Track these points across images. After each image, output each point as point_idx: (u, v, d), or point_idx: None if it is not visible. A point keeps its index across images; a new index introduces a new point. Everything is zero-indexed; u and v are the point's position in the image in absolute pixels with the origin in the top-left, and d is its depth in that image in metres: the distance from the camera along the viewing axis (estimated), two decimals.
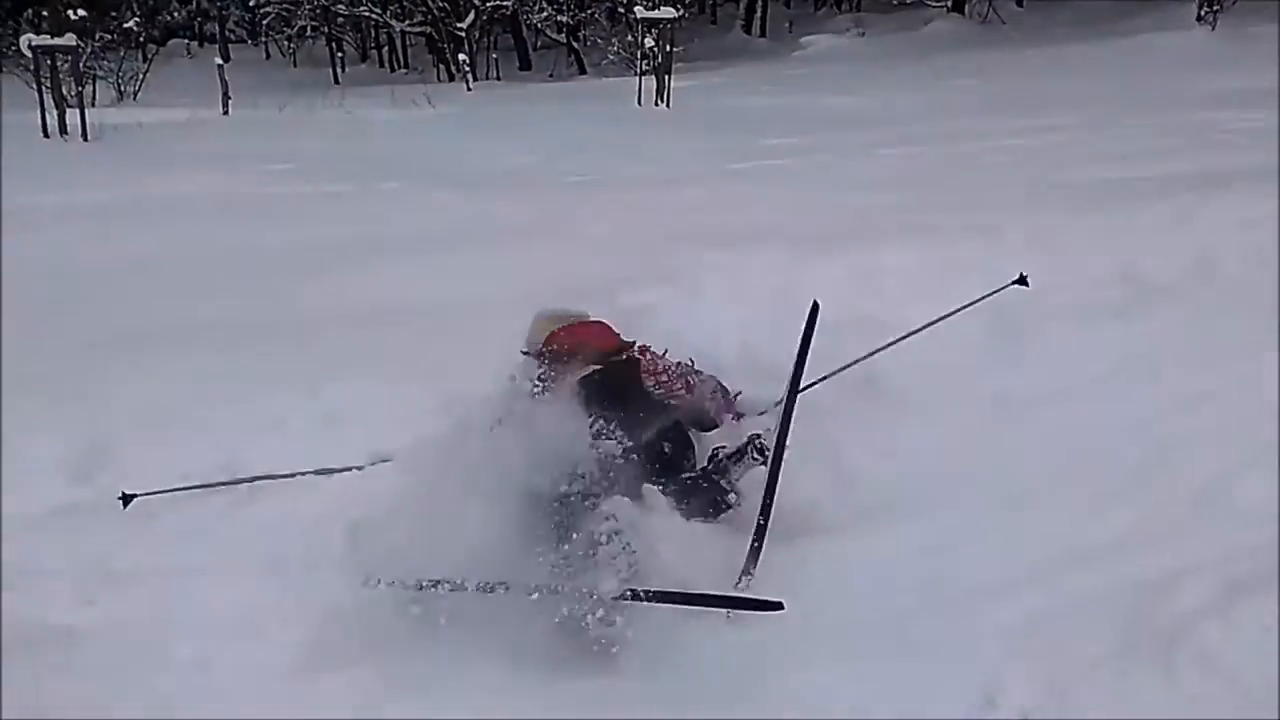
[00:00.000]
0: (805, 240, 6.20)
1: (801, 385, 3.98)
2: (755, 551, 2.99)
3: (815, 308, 3.87)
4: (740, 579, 3.00)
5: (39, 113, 12.53)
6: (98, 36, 16.07)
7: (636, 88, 16.09)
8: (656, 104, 16.09)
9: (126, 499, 3.77)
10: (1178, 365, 4.35)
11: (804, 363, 3.88)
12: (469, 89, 18.91)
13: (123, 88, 17.60)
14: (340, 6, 26.67)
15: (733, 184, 9.40)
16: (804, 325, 3.92)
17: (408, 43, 30.00)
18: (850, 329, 4.84)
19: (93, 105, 13.40)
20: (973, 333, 4.90)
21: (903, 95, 14.88)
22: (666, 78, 16.22)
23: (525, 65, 27.58)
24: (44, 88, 12.67)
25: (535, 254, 6.49)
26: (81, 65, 13.18)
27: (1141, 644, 2.76)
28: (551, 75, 25.20)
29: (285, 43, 30.38)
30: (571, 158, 11.07)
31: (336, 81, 20.43)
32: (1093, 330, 4.80)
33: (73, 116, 12.54)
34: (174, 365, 4.99)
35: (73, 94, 12.87)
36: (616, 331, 4.09)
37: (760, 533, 3.03)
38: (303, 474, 4.00)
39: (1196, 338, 4.49)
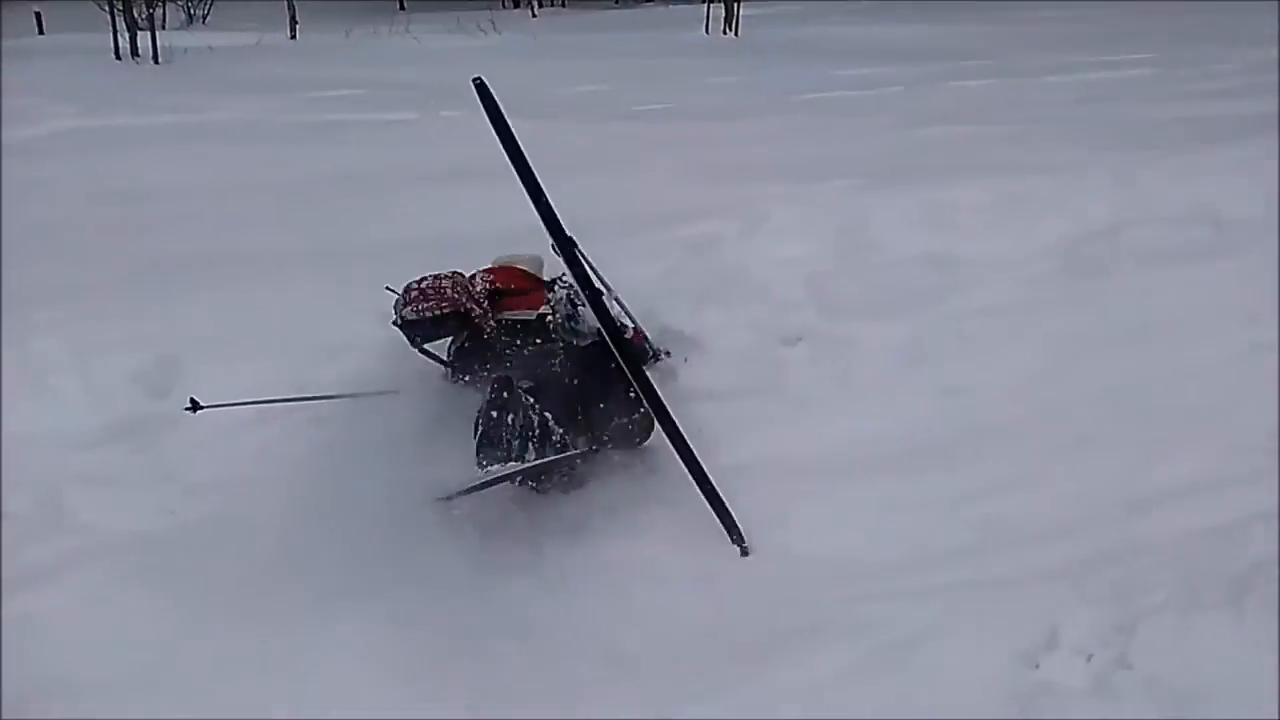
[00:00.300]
0: (873, 174, 6.09)
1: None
2: (725, 517, 3.00)
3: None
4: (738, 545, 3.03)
5: (111, 35, 12.66)
6: None
7: (704, 15, 15.83)
8: (724, 32, 15.79)
9: (195, 406, 3.85)
10: (1254, 309, 4.24)
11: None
12: (534, 15, 18.74)
13: (192, 11, 17.69)
14: None
15: (800, 115, 9.22)
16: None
17: None
18: (920, 265, 4.78)
19: (163, 28, 13.47)
20: (1045, 271, 4.81)
21: (976, 27, 14.45)
22: (735, 6, 15.91)
23: None
24: (116, 11, 12.79)
25: (598, 184, 6.44)
26: None
27: (1208, 589, 2.73)
28: (618, 2, 24.82)
29: None
30: (637, 86, 10.93)
31: (402, 7, 20.27)
32: (1169, 271, 4.68)
33: (144, 40, 12.66)
34: (242, 287, 5.07)
35: (144, 17, 12.97)
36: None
37: (713, 498, 3.03)
38: (366, 394, 4.07)
39: (1275, 281, 4.36)
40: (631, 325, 3.99)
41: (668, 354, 4.09)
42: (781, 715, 2.63)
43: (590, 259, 3.55)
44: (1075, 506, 3.32)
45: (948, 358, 4.26)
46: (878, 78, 11.14)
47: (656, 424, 3.15)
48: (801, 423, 3.94)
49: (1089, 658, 2.63)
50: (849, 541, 3.31)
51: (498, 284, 3.80)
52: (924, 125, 8.12)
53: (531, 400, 2.80)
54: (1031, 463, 3.65)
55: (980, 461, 3.66)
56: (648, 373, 3.47)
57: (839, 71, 11.65)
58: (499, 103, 3.02)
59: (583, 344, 3.38)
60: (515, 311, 3.56)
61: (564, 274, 3.44)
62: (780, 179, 6.07)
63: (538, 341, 3.40)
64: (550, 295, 3.59)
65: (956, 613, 2.86)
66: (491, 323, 3.48)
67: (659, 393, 3.29)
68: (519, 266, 3.95)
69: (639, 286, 4.60)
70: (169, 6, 15.27)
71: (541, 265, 4.00)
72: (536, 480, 3.06)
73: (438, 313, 3.36)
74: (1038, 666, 2.64)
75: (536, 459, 2.86)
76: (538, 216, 3.21)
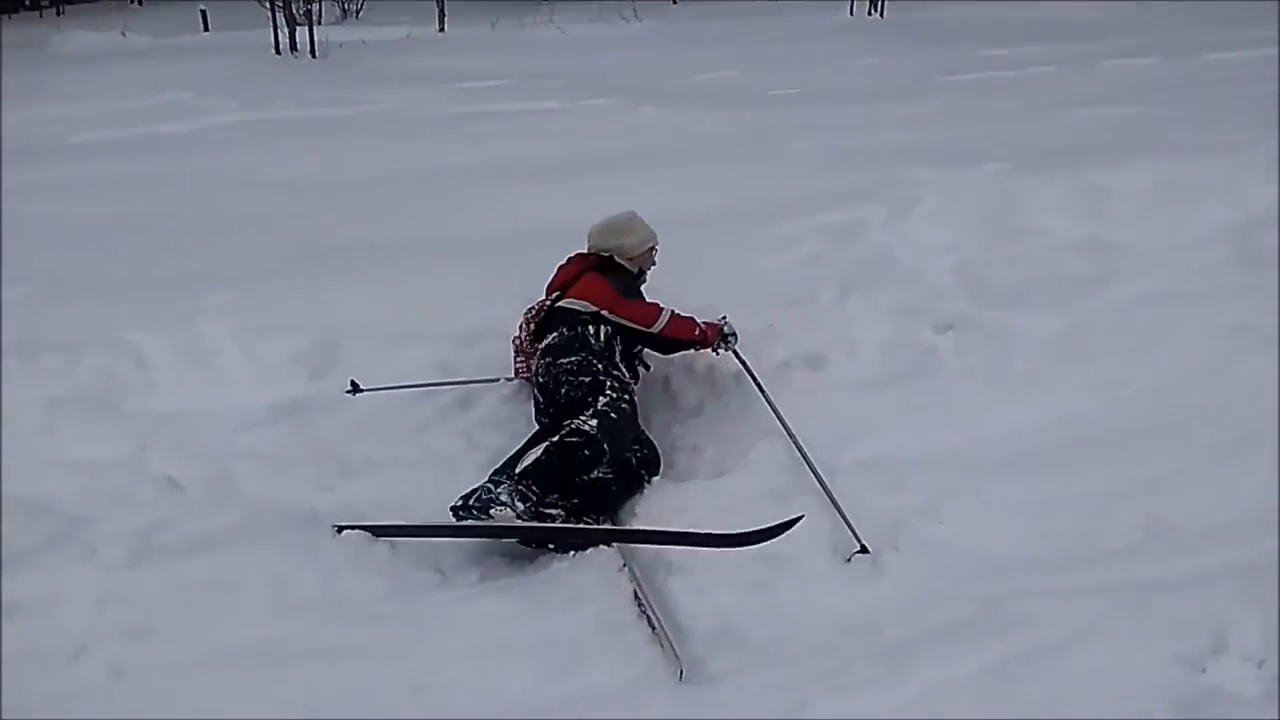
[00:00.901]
0: (1026, 158, 5.87)
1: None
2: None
3: None
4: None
5: (271, 31, 13.21)
6: None
7: None
8: (870, 14, 15.49)
9: (355, 388, 4.03)
10: None
11: None
12: (675, 1, 18.73)
13: (346, 6, 18.34)
14: None
15: (948, 98, 8.97)
16: None
17: None
18: (1076, 252, 4.60)
19: (319, 23, 14.00)
20: (1209, 259, 4.57)
21: (1130, 2, 13.77)
22: None
23: None
24: (276, 7, 13.35)
25: (740, 170, 6.41)
26: None
27: None
28: None
29: None
30: (779, 71, 10.80)
31: None
32: None
33: (302, 35, 13.16)
34: (391, 275, 5.23)
35: (301, 13, 13.49)
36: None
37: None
38: (506, 379, 4.16)
39: None
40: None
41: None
42: (923, 715, 2.56)
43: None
44: (1241, 508, 3.14)
45: (1106, 350, 4.09)
46: (1027, 57, 10.73)
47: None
48: (952, 414, 3.84)
49: (1260, 664, 2.48)
50: (1000, 538, 3.22)
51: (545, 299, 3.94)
52: (1077, 107, 7.78)
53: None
54: (1194, 461, 3.47)
55: (1140, 459, 3.50)
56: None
57: (988, 52, 11.28)
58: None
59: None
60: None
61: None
62: (928, 163, 5.92)
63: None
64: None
65: (1114, 614, 2.74)
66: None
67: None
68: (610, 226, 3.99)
69: (780, 274, 4.57)
70: (325, 3, 15.85)
71: (631, 223, 4.01)
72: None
73: None
74: (1204, 671, 2.50)
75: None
76: None
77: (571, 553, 3.16)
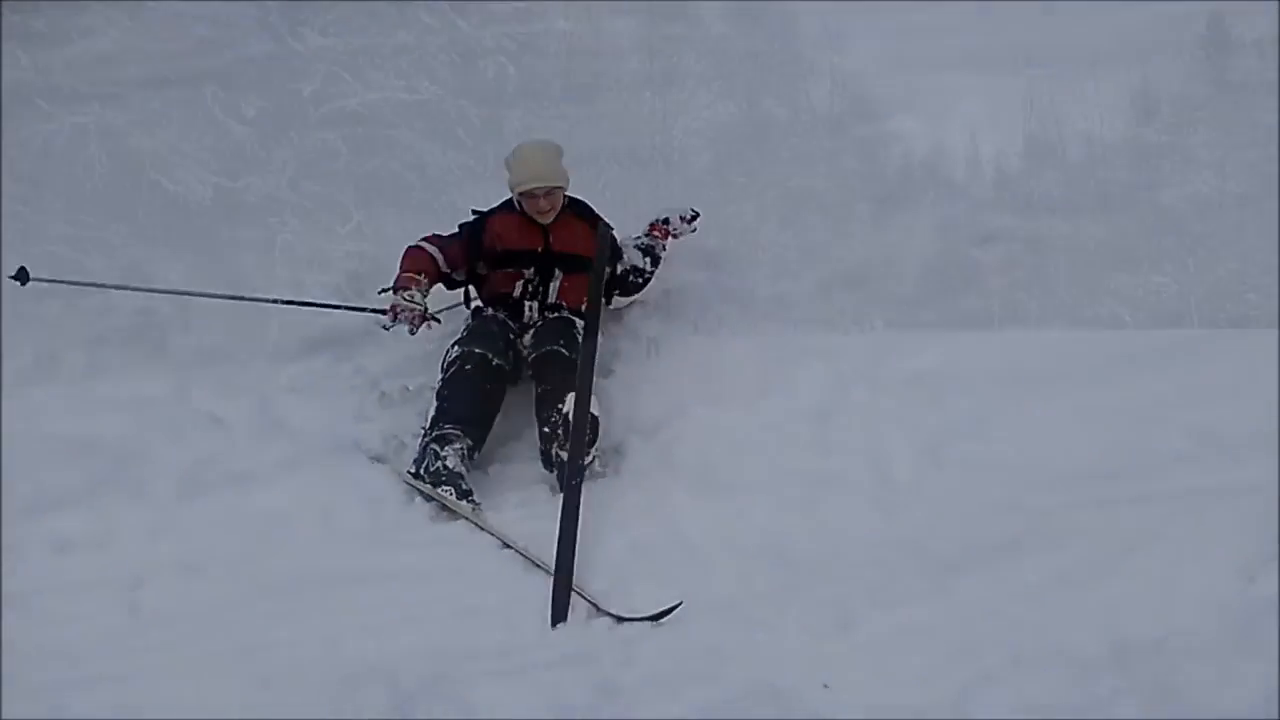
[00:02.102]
0: (1070, 61, 5.66)
1: None
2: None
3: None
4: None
5: None
6: None
7: None
8: None
9: (23, 277, 4.01)
10: None
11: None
12: None
13: None
14: None
15: None
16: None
17: None
18: (1122, 157, 4.48)
19: None
20: (1259, 159, 4.43)
21: None
22: None
23: None
24: None
25: (755, 85, 6.20)
26: None
27: None
28: None
29: None
30: None
31: None
32: None
33: None
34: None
35: None
36: None
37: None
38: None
39: None
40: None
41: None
42: (973, 626, 2.56)
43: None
44: None
45: (1154, 255, 3.98)
46: None
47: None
48: (996, 327, 3.78)
49: None
50: (1047, 450, 3.18)
51: None
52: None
53: None
54: (1241, 370, 3.40)
55: (1192, 368, 3.43)
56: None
57: None
58: None
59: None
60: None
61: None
62: (963, 69, 5.72)
63: None
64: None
65: (1167, 523, 2.72)
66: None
67: None
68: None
69: (814, 190, 4.48)
70: None
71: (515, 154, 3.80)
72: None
73: None
74: (1253, 580, 2.47)
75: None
76: None
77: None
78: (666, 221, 3.87)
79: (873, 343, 3.58)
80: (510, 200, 3.70)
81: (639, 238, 3.95)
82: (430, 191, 4.80)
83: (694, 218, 3.90)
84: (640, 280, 3.79)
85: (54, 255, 4.39)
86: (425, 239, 3.69)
